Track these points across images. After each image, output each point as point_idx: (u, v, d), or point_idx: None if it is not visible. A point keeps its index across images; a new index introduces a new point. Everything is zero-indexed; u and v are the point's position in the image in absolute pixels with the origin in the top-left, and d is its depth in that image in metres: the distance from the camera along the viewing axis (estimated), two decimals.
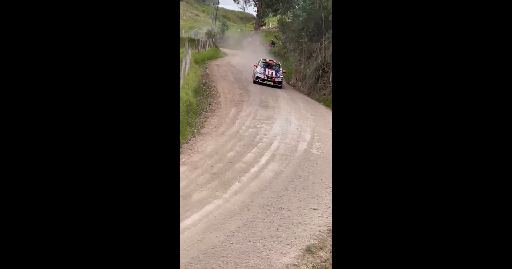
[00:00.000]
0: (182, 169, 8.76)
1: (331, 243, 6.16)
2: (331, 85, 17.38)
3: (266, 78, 19.27)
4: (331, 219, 6.63)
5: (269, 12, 39.77)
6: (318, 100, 18.41)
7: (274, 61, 21.06)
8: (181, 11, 27.12)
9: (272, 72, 19.59)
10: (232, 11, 61.27)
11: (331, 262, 5.63)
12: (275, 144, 10.81)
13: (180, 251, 5.73)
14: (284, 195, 7.83)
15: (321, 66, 19.27)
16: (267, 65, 20.22)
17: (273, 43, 33.44)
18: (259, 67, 19.99)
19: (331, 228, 6.47)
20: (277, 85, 19.30)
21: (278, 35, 27.51)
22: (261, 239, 6.16)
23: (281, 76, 19.74)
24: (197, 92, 15.15)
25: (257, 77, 19.39)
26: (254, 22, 46.01)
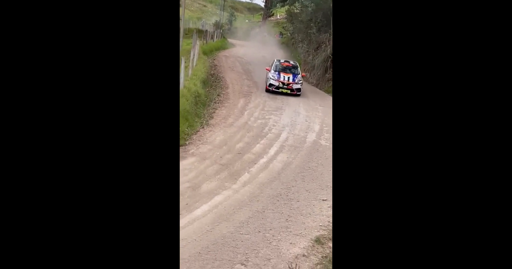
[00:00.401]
0: (191, 160, 8.79)
1: None
2: None
3: (281, 85, 15.61)
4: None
5: (277, 3, 39.58)
6: (327, 91, 18.32)
7: (291, 62, 17.12)
8: (188, 1, 27.04)
9: (288, 77, 15.78)
10: (240, 2, 61.02)
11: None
12: (283, 135, 10.79)
13: (189, 241, 5.76)
14: (293, 186, 7.82)
15: (330, 57, 19.16)
16: (282, 68, 16.36)
17: (281, 34, 33.30)
18: (272, 71, 16.11)
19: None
20: (296, 93, 15.70)
21: (286, 26, 27.33)
22: (270, 229, 6.17)
23: (300, 81, 15.96)
24: (205, 83, 15.14)
25: (270, 85, 15.69)
26: (262, 12, 45.81)
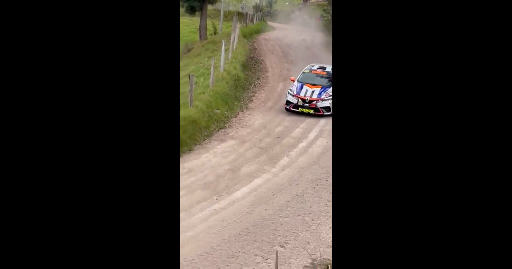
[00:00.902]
0: (230, 143, 8.92)
1: None
2: None
3: (300, 102, 10.96)
4: None
5: None
6: None
7: (327, 69, 12.02)
8: None
9: (313, 91, 11.07)
10: None
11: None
12: (323, 120, 10.73)
13: (230, 222, 5.88)
14: None
15: None
16: (310, 78, 11.72)
17: (321, 16, 32.81)
18: (296, 82, 11.65)
19: None
20: (321, 113, 10.83)
21: (327, 9, 26.87)
22: (310, 213, 6.21)
23: (330, 97, 10.74)
24: (245, 66, 15.18)
25: (287, 102, 11.18)
26: None
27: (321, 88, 11.19)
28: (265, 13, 36.32)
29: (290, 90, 11.34)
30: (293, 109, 11.00)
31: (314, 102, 10.90)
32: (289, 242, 5.47)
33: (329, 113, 10.67)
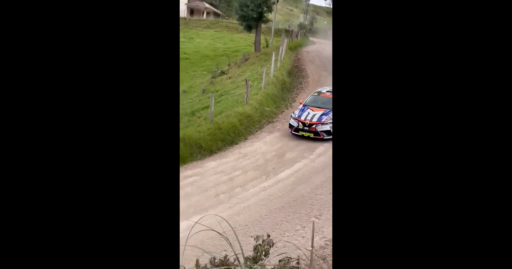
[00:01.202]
0: (277, 134, 8.93)
1: None
2: None
3: (300, 126, 8.81)
4: None
5: None
6: None
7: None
8: (278, 7, 26.67)
9: (313, 115, 8.94)
10: (320, 7, 59.16)
11: None
12: None
13: (275, 197, 5.90)
14: None
15: None
16: (317, 101, 9.55)
17: None
18: (301, 106, 9.58)
19: None
20: (322, 138, 8.58)
21: None
22: None
23: (330, 120, 8.74)
24: (290, 73, 15.08)
25: (290, 126, 9.07)
26: None
27: (324, 111, 8.99)
28: (307, 30, 35.93)
29: (293, 113, 9.31)
30: (294, 132, 8.89)
31: (314, 126, 8.72)
32: (323, 214, 5.43)
33: (329, 137, 8.57)
